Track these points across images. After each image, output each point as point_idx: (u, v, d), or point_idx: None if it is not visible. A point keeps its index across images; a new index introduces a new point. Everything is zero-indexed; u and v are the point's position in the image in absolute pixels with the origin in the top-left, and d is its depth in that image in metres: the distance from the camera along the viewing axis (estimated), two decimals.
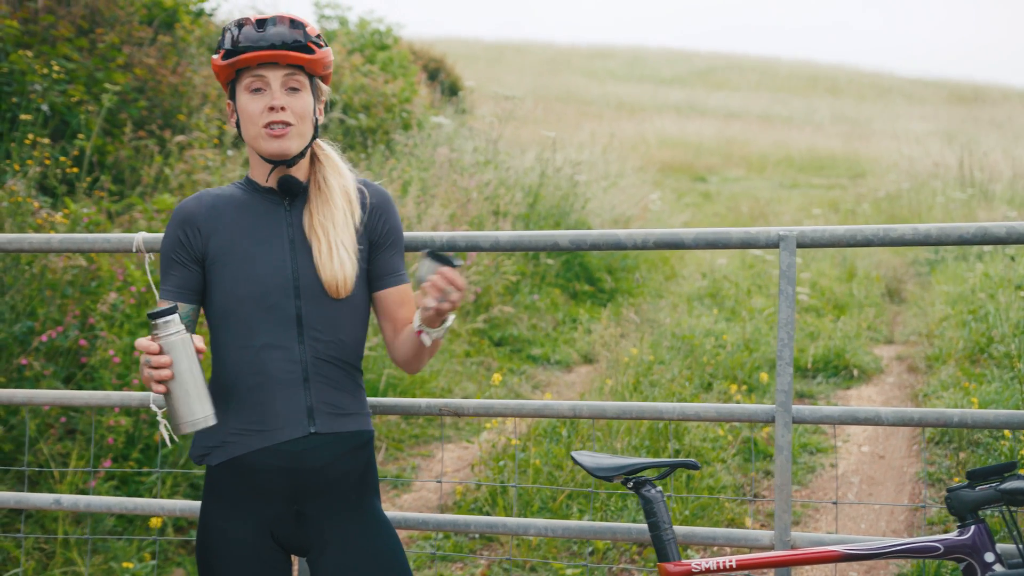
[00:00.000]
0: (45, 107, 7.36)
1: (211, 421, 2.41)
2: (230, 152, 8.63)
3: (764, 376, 7.40)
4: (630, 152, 18.51)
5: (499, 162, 12.02)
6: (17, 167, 6.65)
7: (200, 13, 11.20)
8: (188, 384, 2.37)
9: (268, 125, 2.59)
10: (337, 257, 2.62)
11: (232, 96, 2.67)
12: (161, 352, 2.36)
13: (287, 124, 2.60)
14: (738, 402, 6.94)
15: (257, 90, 2.60)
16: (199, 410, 2.38)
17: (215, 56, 2.63)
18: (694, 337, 8.53)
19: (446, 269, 2.45)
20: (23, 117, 7.05)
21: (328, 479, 2.64)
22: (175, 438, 3.03)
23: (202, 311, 2.73)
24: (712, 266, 12.06)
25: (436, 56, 19.94)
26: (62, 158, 6.96)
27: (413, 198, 9.57)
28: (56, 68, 7.64)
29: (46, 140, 6.97)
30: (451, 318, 2.59)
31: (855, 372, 8.19)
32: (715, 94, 37.07)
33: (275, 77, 2.59)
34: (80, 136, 7.49)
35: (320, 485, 2.64)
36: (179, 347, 2.37)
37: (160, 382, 2.38)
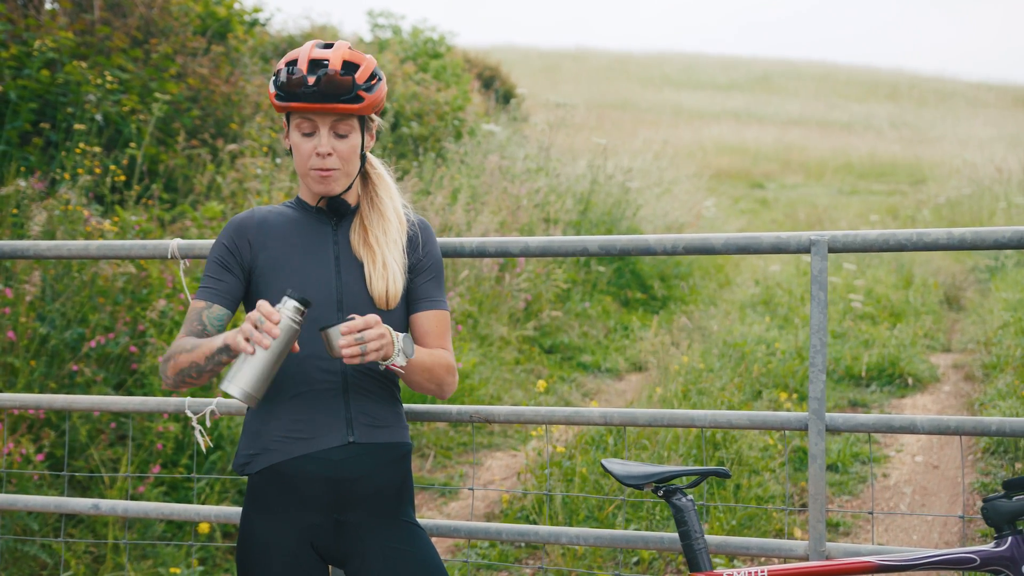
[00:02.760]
0: (99, 117, 7.47)
1: (253, 403, 2.43)
2: (279, 160, 8.70)
3: None
4: (686, 159, 18.41)
5: (550, 169, 12.00)
6: (68, 176, 6.76)
7: (254, 23, 11.33)
8: (269, 365, 2.40)
9: (315, 168, 2.66)
10: (391, 270, 2.69)
11: (287, 119, 2.71)
12: (277, 324, 2.39)
13: (332, 169, 2.66)
14: (789, 410, 6.85)
15: (307, 133, 2.65)
16: (256, 388, 2.40)
17: (271, 88, 2.67)
18: (745, 345, 8.45)
19: (343, 326, 2.44)
20: (77, 127, 7.15)
21: (367, 489, 2.67)
22: (211, 443, 3.05)
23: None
24: (766, 273, 11.94)
25: (491, 64, 19.98)
26: (112, 167, 7.05)
27: (463, 205, 9.59)
28: (110, 78, 7.75)
29: (97, 149, 7.07)
30: (399, 338, 2.56)
31: (910, 381, 8.06)
32: (773, 100, 36.74)
33: (324, 122, 2.64)
34: (132, 145, 7.59)
35: (359, 495, 2.66)
36: (289, 333, 2.41)
37: (252, 344, 2.38)
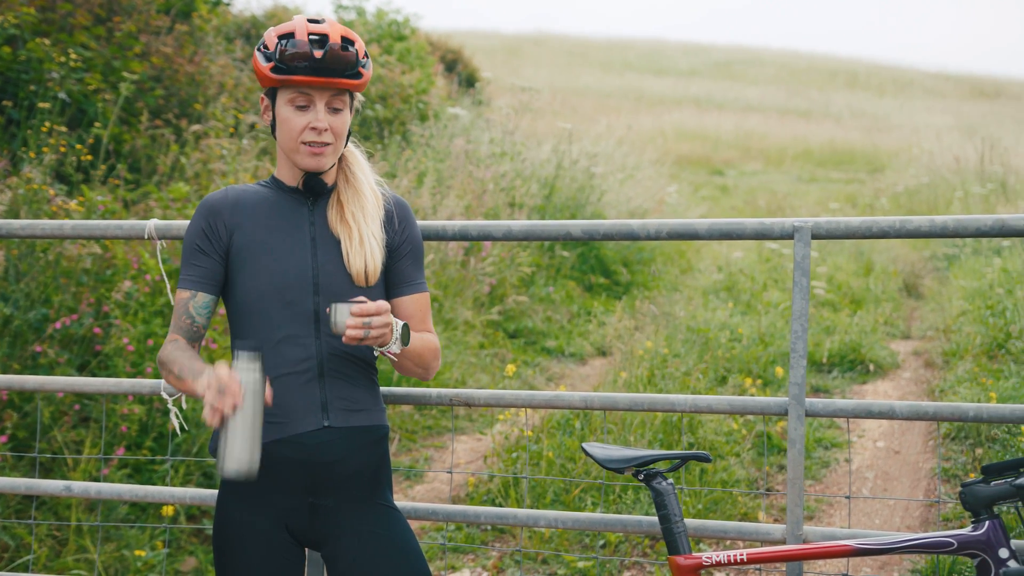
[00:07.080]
0: (63, 95, 7.37)
1: (253, 474, 2.31)
2: (245, 141, 8.62)
3: (779, 370, 7.37)
4: (647, 145, 18.45)
5: (515, 154, 11.99)
6: (33, 155, 6.66)
7: (217, 3, 11.21)
8: (250, 428, 2.29)
9: (308, 143, 2.63)
10: (368, 246, 2.68)
11: (270, 95, 2.68)
12: (239, 389, 2.28)
13: (326, 144, 2.64)
14: (753, 395, 6.91)
15: (301, 107, 2.63)
16: (251, 455, 2.29)
17: (261, 61, 2.62)
18: (709, 330, 8.50)
19: (355, 307, 2.44)
20: (40, 105, 7.05)
21: (343, 473, 2.66)
22: (186, 426, 3.02)
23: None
24: (728, 259, 12.01)
25: (454, 48, 19.91)
26: (78, 146, 6.96)
27: (428, 189, 9.56)
28: (73, 56, 7.64)
29: (63, 128, 6.97)
30: (399, 326, 2.58)
31: (871, 367, 8.15)
32: (733, 87, 36.90)
33: (321, 97, 2.63)
34: (97, 124, 7.50)
35: (335, 478, 2.66)
36: (253, 388, 2.30)
37: (219, 414, 2.27)
